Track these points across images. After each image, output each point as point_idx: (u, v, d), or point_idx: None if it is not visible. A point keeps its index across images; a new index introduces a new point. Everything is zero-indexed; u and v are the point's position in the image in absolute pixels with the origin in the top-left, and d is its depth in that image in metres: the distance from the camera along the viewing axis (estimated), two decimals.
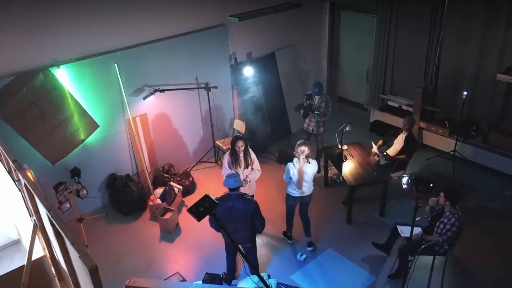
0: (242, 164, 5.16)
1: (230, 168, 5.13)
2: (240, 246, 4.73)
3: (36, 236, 3.55)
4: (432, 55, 7.12)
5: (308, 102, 6.47)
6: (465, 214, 5.45)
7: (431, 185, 3.64)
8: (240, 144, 5.08)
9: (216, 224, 4.37)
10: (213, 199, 3.18)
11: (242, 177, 5.12)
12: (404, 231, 4.87)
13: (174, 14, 6.34)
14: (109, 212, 6.38)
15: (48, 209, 2.60)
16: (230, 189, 4.36)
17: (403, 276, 4.34)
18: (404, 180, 3.97)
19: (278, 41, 7.92)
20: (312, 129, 6.64)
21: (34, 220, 3.37)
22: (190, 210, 3.07)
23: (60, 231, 2.49)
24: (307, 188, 5.18)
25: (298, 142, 5.07)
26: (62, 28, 5.38)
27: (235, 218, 4.34)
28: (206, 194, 3.17)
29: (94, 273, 2.19)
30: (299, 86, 8.44)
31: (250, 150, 5.27)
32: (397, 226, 5.03)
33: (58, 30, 5.35)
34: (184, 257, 5.58)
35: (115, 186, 6.27)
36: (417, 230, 4.71)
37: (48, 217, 2.60)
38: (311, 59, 8.75)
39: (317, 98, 6.48)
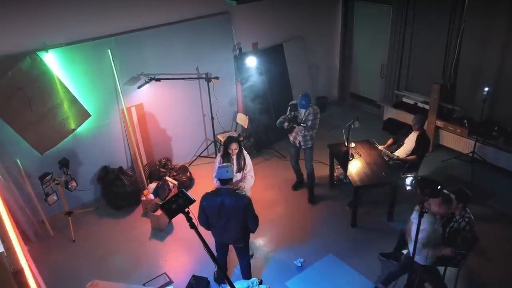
0: (235, 167, 4.79)
1: None
2: (232, 246, 4.45)
3: None
4: (451, 49, 6.71)
5: (292, 113, 5.66)
6: (482, 222, 4.98)
7: (439, 187, 3.18)
8: (234, 147, 4.72)
9: (204, 222, 4.11)
10: (189, 195, 2.95)
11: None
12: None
13: None
14: (101, 206, 6.10)
15: None
16: (221, 183, 4.06)
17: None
18: (408, 180, 3.51)
19: (286, 32, 7.51)
20: (299, 142, 5.87)
21: None
22: (162, 206, 2.90)
23: None
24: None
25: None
26: (51, 10, 5.07)
27: (226, 215, 4.04)
28: (181, 190, 3.01)
29: (17, 276, 1.84)
30: (309, 80, 8.01)
31: (245, 153, 4.91)
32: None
33: (47, 11, 5.05)
34: (174, 257, 5.25)
35: (107, 179, 5.98)
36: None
37: None
38: (322, 52, 8.31)
39: (303, 110, 5.69)
